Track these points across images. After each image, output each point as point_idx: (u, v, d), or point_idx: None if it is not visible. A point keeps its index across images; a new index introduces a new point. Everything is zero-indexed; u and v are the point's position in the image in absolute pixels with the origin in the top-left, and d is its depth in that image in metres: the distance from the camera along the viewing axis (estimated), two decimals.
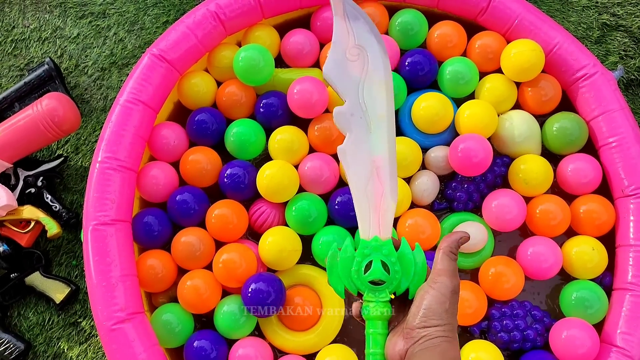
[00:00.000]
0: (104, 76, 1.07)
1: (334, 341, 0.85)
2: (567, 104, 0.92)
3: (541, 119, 0.92)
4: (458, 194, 0.89)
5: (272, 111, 0.90)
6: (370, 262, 0.52)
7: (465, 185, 0.89)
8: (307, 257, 0.88)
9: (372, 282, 0.52)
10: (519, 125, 0.88)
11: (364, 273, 0.52)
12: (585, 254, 0.84)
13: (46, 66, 1.02)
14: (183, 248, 0.84)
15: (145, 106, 0.85)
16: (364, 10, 0.57)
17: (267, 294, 0.81)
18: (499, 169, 0.89)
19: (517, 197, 0.86)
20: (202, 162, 0.88)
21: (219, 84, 0.95)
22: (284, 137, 0.88)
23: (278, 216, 0.88)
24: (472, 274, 0.89)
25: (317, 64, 0.96)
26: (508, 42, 0.92)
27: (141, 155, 0.86)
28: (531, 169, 0.86)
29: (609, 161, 0.87)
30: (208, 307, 0.84)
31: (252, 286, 0.81)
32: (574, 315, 0.83)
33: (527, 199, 0.88)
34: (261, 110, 0.91)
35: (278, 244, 0.83)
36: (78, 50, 1.09)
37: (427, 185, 0.88)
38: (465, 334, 0.86)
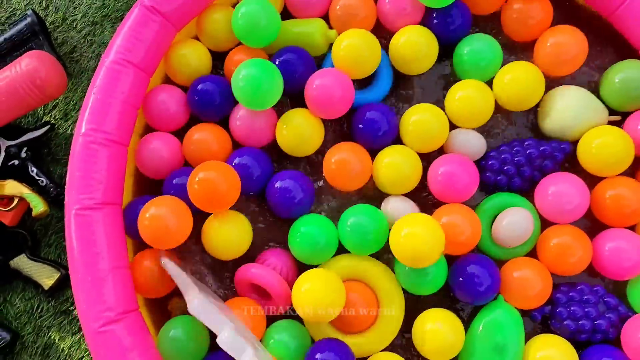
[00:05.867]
0: (95, 31, 0.94)
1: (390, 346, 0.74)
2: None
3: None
4: (513, 180, 0.76)
5: (291, 70, 0.76)
6: None
7: (521, 169, 0.76)
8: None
9: None
10: (573, 107, 0.74)
11: None
12: None
13: (29, 19, 0.90)
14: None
15: (136, 68, 0.72)
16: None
17: (294, 192, 0.73)
18: (560, 155, 0.76)
19: (580, 184, 0.72)
20: (209, 141, 0.76)
21: (213, 54, 0.81)
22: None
23: (287, 268, 0.75)
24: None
25: (326, 16, 0.81)
26: None
27: (132, 127, 0.73)
28: (607, 144, 0.72)
29: None
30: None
31: (278, 184, 0.73)
32: None
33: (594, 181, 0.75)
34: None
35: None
36: (65, 2, 0.95)
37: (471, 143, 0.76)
38: (525, 318, 0.73)
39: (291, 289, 0.70)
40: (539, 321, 0.74)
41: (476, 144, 0.77)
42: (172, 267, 0.70)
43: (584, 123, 0.75)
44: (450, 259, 0.74)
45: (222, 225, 0.72)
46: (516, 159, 0.75)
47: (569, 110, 0.75)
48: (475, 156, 0.77)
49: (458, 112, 0.76)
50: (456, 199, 0.74)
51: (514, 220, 0.72)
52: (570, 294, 0.73)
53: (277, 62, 0.76)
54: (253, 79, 0.71)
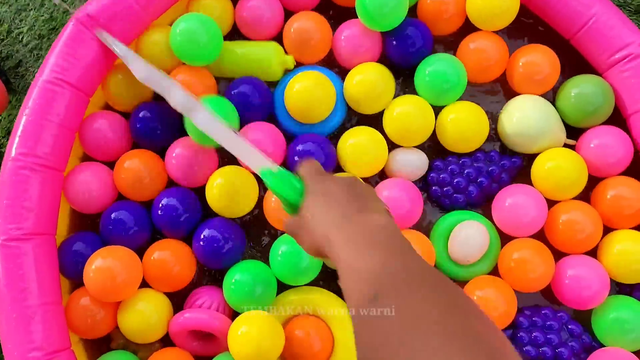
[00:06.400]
0: (42, 45, 0.90)
1: None
2: None
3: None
4: (456, 180, 0.72)
5: (246, 101, 0.72)
6: None
7: (466, 171, 0.72)
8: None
9: None
10: (532, 118, 0.71)
11: None
12: (630, 253, 0.68)
13: None
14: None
15: (73, 88, 0.67)
16: None
17: (222, 241, 0.68)
18: (508, 162, 0.73)
19: (537, 196, 0.69)
20: (141, 171, 0.70)
21: None
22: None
23: (221, 304, 0.70)
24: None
25: (279, 36, 0.77)
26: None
27: (69, 151, 0.68)
28: (560, 167, 0.69)
29: None
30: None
31: (205, 232, 0.68)
32: (609, 339, 0.68)
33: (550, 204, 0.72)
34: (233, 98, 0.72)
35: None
36: (11, 13, 0.90)
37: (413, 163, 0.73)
38: None
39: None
40: None
41: (417, 163, 0.73)
42: (109, 38, 0.67)
43: (543, 135, 0.71)
44: None
45: (138, 306, 0.67)
46: (461, 160, 0.74)
47: (530, 119, 0.71)
48: (418, 174, 0.74)
49: (396, 130, 0.72)
50: (402, 224, 0.71)
51: (469, 234, 0.70)
52: (534, 319, 0.70)
53: (232, 93, 0.72)
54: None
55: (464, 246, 0.70)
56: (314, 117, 0.73)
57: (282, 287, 0.70)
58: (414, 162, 0.73)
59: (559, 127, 0.73)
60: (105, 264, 0.64)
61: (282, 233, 0.72)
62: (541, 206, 0.69)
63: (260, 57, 0.74)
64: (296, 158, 0.71)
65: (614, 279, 0.70)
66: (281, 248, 0.68)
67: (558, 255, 0.71)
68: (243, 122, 0.73)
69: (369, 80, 0.72)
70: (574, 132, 0.74)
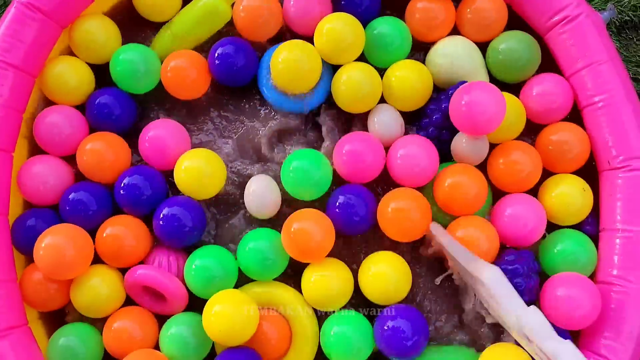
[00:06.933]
0: None
1: None
2: (545, 55, 0.75)
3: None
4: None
5: (230, 62, 0.73)
6: None
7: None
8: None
9: None
10: (458, 56, 0.73)
11: None
12: (568, 195, 0.70)
13: None
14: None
15: (17, 70, 0.68)
16: None
17: (183, 219, 0.68)
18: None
19: (496, 91, 0.68)
20: (104, 152, 0.71)
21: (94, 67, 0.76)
22: None
23: (179, 267, 0.71)
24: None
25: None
26: None
27: (16, 132, 0.69)
28: None
29: (594, 125, 0.71)
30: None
31: (165, 211, 0.68)
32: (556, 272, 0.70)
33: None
34: (217, 62, 0.73)
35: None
36: None
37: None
38: None
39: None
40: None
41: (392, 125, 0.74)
42: (442, 233, 0.68)
43: (468, 75, 0.73)
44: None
45: (90, 282, 0.68)
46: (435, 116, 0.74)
47: (455, 56, 0.73)
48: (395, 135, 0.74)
49: (345, 96, 0.72)
50: (420, 181, 0.71)
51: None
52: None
53: (216, 55, 0.73)
54: (130, 64, 0.71)
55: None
56: (300, 86, 0.73)
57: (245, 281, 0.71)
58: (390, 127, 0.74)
59: (484, 73, 0.74)
60: (55, 241, 0.65)
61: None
62: (500, 102, 0.67)
63: (204, 10, 0.74)
64: (337, 210, 0.69)
65: (555, 222, 0.71)
66: (249, 244, 0.69)
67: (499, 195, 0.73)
68: (229, 84, 0.75)
69: (338, 30, 0.71)
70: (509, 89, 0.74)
